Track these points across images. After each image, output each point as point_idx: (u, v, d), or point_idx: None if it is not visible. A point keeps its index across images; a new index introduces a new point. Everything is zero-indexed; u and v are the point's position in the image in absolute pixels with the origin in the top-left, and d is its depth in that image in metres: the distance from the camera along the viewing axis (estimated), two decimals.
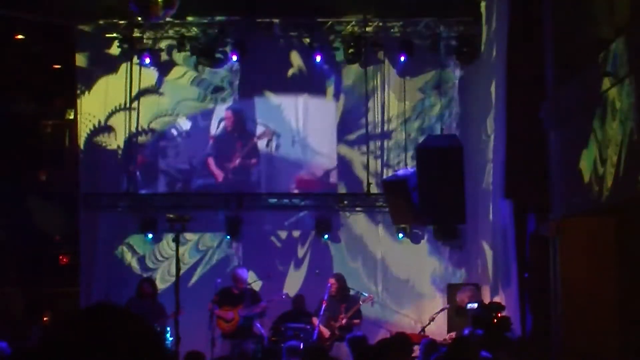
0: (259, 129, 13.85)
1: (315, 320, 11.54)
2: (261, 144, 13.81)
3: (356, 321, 11.60)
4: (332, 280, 11.76)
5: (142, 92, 13.78)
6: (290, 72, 13.90)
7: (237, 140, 13.92)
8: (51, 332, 1.83)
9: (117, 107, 13.83)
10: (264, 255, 13.53)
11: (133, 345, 1.79)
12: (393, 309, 13.26)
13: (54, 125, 15.73)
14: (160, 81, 13.85)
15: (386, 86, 13.74)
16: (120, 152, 13.80)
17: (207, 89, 13.94)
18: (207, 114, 13.93)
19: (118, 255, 13.58)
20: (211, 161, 13.88)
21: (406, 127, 13.71)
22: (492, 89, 11.94)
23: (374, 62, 13.65)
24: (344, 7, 13.28)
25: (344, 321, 11.43)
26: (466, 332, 9.41)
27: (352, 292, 11.98)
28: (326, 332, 11.44)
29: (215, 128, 13.91)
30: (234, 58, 13.56)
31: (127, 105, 13.75)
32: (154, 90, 13.85)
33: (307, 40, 13.58)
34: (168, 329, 11.57)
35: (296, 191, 13.84)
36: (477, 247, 13.11)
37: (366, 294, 12.03)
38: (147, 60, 13.60)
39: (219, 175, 13.86)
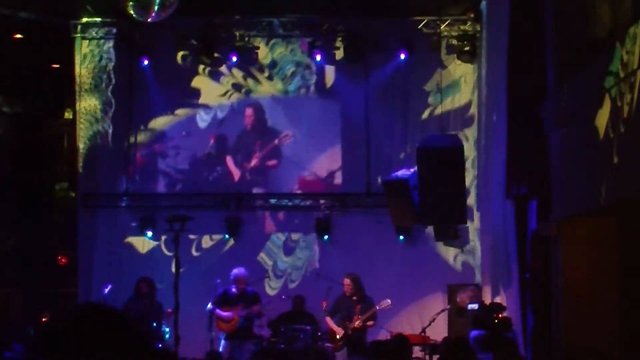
0: (281, 131, 13.79)
1: (330, 320, 11.41)
2: (285, 146, 13.74)
3: (370, 323, 11.42)
4: (347, 280, 11.52)
5: (142, 92, 13.76)
6: (291, 71, 13.86)
7: (257, 140, 13.88)
8: (42, 332, 1.81)
9: (117, 107, 13.81)
10: (264, 256, 13.50)
11: (117, 345, 1.77)
12: (393, 310, 13.20)
13: (53, 125, 15.70)
14: (159, 81, 13.81)
15: (386, 85, 13.70)
16: (119, 152, 13.77)
17: (207, 89, 13.91)
18: (208, 114, 13.90)
19: (117, 255, 13.54)
20: (229, 160, 13.82)
21: (407, 126, 13.68)
22: (493, 88, 11.92)
23: (375, 62, 13.61)
24: (345, 6, 13.24)
25: (357, 323, 11.26)
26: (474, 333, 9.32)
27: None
28: (339, 332, 11.35)
29: (215, 127, 13.87)
30: (234, 58, 13.54)
31: (127, 105, 13.73)
32: (154, 90, 13.81)
33: (308, 39, 13.56)
34: (167, 329, 11.54)
35: (298, 192, 13.80)
36: (478, 247, 13.08)
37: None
38: (146, 62, 13.58)
39: (236, 174, 13.82)
